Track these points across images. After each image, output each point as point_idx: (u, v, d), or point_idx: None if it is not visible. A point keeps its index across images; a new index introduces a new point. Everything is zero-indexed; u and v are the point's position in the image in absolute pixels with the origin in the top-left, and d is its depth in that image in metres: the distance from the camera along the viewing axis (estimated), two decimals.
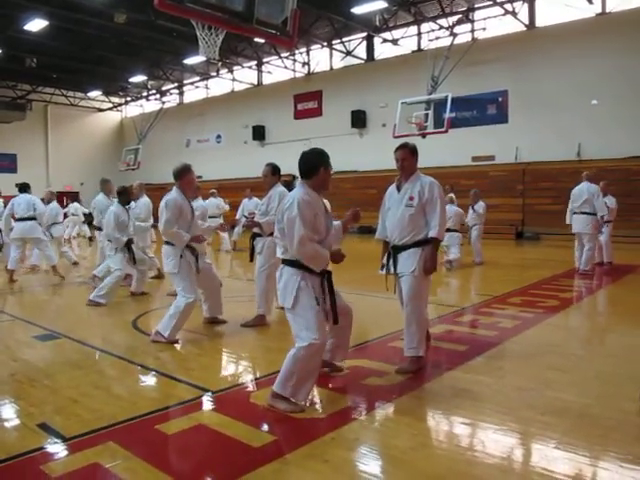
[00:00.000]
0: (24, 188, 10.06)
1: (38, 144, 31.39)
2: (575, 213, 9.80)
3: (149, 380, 4.44)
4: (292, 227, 3.51)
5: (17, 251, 9.62)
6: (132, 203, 8.55)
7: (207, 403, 3.80)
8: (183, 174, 5.57)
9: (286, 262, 3.68)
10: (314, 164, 3.71)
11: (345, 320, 3.93)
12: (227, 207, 15.42)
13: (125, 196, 7.73)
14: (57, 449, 3.11)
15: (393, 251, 4.49)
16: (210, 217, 14.35)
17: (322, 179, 3.72)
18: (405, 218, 4.38)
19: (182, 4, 5.31)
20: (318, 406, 3.68)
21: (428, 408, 3.68)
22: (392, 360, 4.56)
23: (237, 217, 12.31)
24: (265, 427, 3.36)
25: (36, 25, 18.46)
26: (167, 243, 5.52)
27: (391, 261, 4.50)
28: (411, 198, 4.37)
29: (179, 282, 5.46)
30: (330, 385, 4.07)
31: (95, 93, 31.04)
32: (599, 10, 17.27)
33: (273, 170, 6.18)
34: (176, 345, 5.39)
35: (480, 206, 11.50)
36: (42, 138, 31.77)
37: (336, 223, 4.02)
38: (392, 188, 4.61)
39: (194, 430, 3.30)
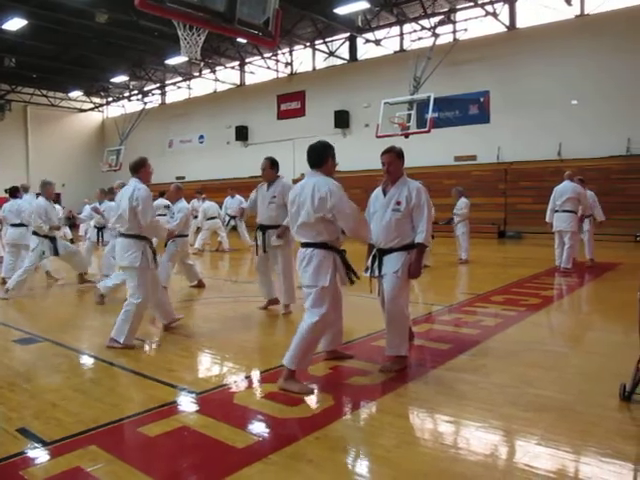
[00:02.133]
0: (14, 193, 9.90)
1: (18, 145, 30.98)
2: (557, 211, 9.86)
3: (131, 382, 4.40)
4: (344, 205, 3.87)
5: (11, 258, 9.42)
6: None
7: (190, 405, 3.77)
8: (142, 166, 5.46)
9: (318, 245, 3.95)
10: (324, 154, 4.07)
11: (338, 312, 4.39)
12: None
13: (112, 196, 7.72)
14: (37, 454, 3.06)
15: (378, 254, 4.50)
16: (209, 219, 14.39)
17: (329, 168, 4.09)
18: (392, 222, 4.38)
19: (163, 4, 5.26)
20: (302, 406, 3.67)
21: (412, 406, 3.69)
22: (376, 359, 4.58)
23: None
24: (249, 428, 3.34)
25: (15, 24, 18.24)
26: (129, 236, 5.26)
27: (376, 264, 4.51)
28: (398, 203, 4.38)
29: (134, 278, 5.26)
30: (314, 385, 4.06)
31: (76, 93, 30.73)
32: (578, 12, 17.48)
33: (272, 163, 6.44)
34: (158, 346, 5.35)
35: (461, 203, 11.51)
36: (22, 139, 31.36)
37: None
38: (378, 191, 4.61)
39: (177, 432, 3.28)
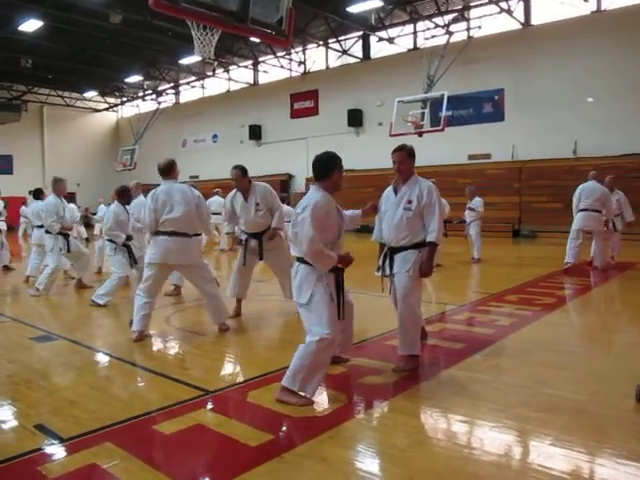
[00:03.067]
0: (37, 194, 10.07)
1: (34, 145, 31.36)
2: (585, 210, 9.55)
3: (146, 380, 4.44)
4: (303, 229, 3.64)
5: (37, 258, 9.59)
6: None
7: (205, 403, 3.80)
8: (174, 168, 5.67)
9: (302, 260, 3.77)
10: (328, 167, 3.85)
11: (349, 312, 4.16)
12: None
13: (125, 196, 7.74)
14: (54, 450, 3.11)
15: (390, 252, 4.50)
16: (213, 214, 14.38)
17: (335, 181, 3.86)
18: (403, 221, 4.37)
19: (177, 4, 5.29)
20: (315, 405, 3.68)
21: (425, 406, 3.68)
22: (389, 358, 4.57)
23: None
24: (262, 426, 3.36)
25: (31, 26, 18.44)
26: (188, 235, 5.54)
27: (387, 263, 4.51)
28: (409, 201, 4.37)
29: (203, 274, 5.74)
30: (328, 384, 4.07)
31: (91, 93, 31.02)
32: (594, 8, 17.31)
33: (242, 172, 6.32)
34: (173, 345, 5.40)
35: (477, 202, 11.46)
36: (38, 139, 31.74)
37: (356, 211, 4.38)
38: (389, 190, 4.61)
39: (192, 430, 3.30)
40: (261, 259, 6.44)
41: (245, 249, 6.44)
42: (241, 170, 6.30)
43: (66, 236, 8.41)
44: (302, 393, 3.64)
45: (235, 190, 6.44)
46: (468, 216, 11.54)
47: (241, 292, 6.58)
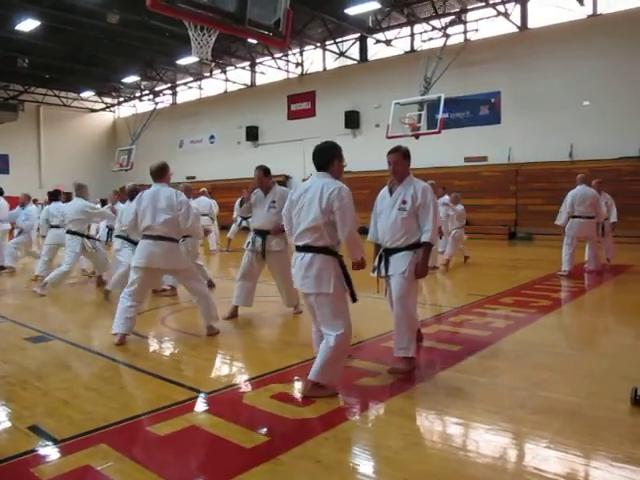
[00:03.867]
0: (55, 196, 10.20)
1: (30, 145, 31.24)
2: (578, 217, 9.54)
3: (141, 381, 4.43)
4: (346, 212, 3.71)
5: (46, 257, 9.60)
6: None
7: (200, 404, 3.79)
8: (166, 170, 5.66)
9: (318, 250, 3.79)
10: (329, 156, 3.91)
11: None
12: (216, 209, 15.30)
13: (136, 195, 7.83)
14: (48, 451, 3.10)
15: (385, 253, 4.50)
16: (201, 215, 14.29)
17: (336, 171, 3.92)
18: (397, 222, 4.38)
19: (174, 5, 5.28)
20: (311, 406, 3.68)
21: (420, 408, 3.69)
22: (385, 360, 4.57)
23: (234, 216, 12.47)
24: (258, 428, 3.35)
25: (28, 25, 18.37)
26: (172, 240, 5.52)
27: (382, 264, 4.51)
28: (404, 202, 4.38)
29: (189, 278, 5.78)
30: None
31: (88, 94, 30.92)
32: (590, 12, 17.36)
33: (264, 172, 6.39)
34: (169, 346, 5.40)
35: (462, 209, 11.36)
36: (34, 139, 31.61)
37: None
38: (384, 191, 4.62)
39: (186, 431, 3.30)
40: (263, 257, 6.42)
41: (252, 250, 6.47)
42: (263, 170, 6.40)
43: (88, 237, 8.74)
44: (329, 385, 3.81)
45: (257, 189, 6.51)
46: (451, 224, 11.29)
47: (246, 300, 6.56)
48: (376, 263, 4.61)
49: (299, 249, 3.87)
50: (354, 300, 3.90)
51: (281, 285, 6.58)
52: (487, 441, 3.14)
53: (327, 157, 3.90)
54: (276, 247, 6.36)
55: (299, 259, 3.85)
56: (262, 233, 6.41)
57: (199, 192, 14.87)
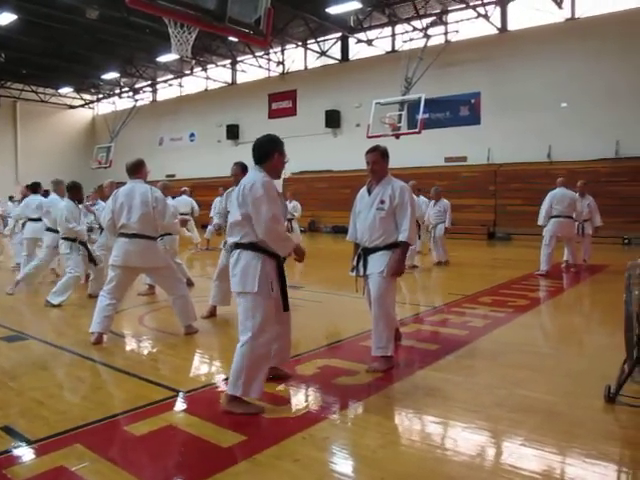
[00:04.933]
0: (35, 188, 10.00)
1: (6, 141, 30.76)
2: (558, 217, 9.69)
3: (118, 381, 4.38)
4: (260, 206, 3.45)
5: (26, 252, 9.40)
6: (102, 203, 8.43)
7: (177, 404, 3.76)
8: (142, 167, 5.58)
9: (244, 246, 3.57)
10: (269, 149, 3.69)
11: (285, 321, 3.94)
12: (197, 208, 15.16)
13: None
14: (22, 452, 3.04)
15: (363, 253, 4.51)
16: (180, 214, 14.17)
17: (276, 164, 3.71)
18: (376, 221, 4.40)
19: (154, 2, 5.25)
20: (288, 406, 3.67)
21: (398, 407, 3.70)
22: (363, 359, 4.58)
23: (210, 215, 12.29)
24: (235, 427, 3.33)
25: (4, 19, 18.08)
26: (150, 237, 5.45)
27: (361, 263, 4.52)
28: (382, 202, 4.39)
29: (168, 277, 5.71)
30: (300, 384, 4.06)
31: (66, 90, 30.53)
32: (569, 15, 17.60)
33: (242, 169, 6.16)
34: (146, 345, 5.35)
35: (447, 204, 11.38)
36: (11, 135, 31.14)
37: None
38: (363, 191, 4.64)
39: (164, 431, 3.27)
40: None
41: (228, 250, 6.35)
42: (241, 167, 6.17)
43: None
44: (246, 398, 3.52)
45: (233, 187, 6.34)
46: (434, 218, 11.31)
47: (223, 300, 6.47)
48: (355, 262, 4.62)
49: (232, 246, 3.69)
50: (285, 309, 3.70)
51: None
52: (465, 439, 3.16)
53: (266, 150, 3.68)
54: None
55: (232, 257, 3.67)
56: None
57: (180, 191, 14.76)
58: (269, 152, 3.69)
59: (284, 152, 3.79)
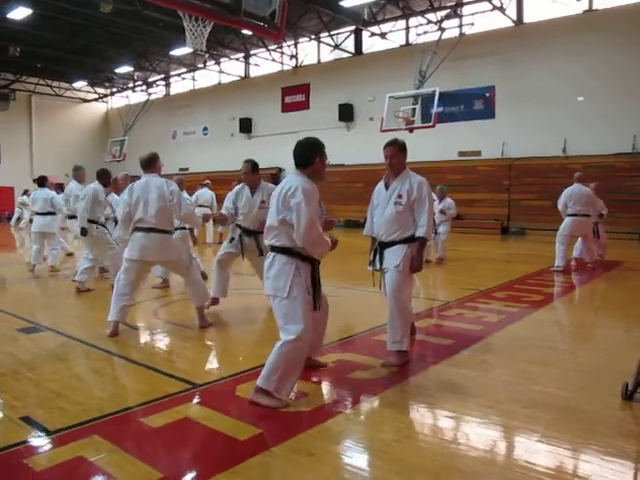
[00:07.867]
0: (42, 182, 10.07)
1: (22, 135, 31.02)
2: (574, 215, 9.55)
3: (134, 373, 4.42)
4: (300, 212, 3.42)
5: (36, 245, 9.54)
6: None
7: (193, 396, 3.79)
8: (156, 161, 5.57)
9: (278, 249, 3.58)
10: (310, 154, 3.65)
11: (323, 311, 3.94)
12: (215, 203, 15.21)
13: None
14: (41, 442, 3.08)
15: (380, 247, 4.51)
16: (200, 206, 14.27)
17: (318, 169, 3.67)
18: (393, 215, 4.39)
19: None
20: (304, 399, 3.68)
21: (413, 401, 3.70)
22: (378, 354, 4.58)
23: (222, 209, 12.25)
24: (251, 420, 3.35)
25: (20, 13, 18.21)
26: (167, 232, 5.49)
27: (377, 257, 4.52)
28: (400, 196, 4.38)
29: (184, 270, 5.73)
30: (316, 379, 4.08)
31: (80, 83, 30.70)
32: (586, 7, 17.38)
33: (253, 167, 6.18)
34: (161, 338, 5.39)
35: (450, 204, 11.09)
36: (26, 128, 31.40)
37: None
38: (380, 185, 4.62)
39: (179, 423, 3.29)
40: (261, 254, 6.09)
41: (241, 246, 6.34)
42: (252, 165, 6.15)
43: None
44: (276, 394, 3.51)
45: (242, 184, 6.33)
46: (438, 217, 10.94)
47: (224, 291, 6.53)
48: (372, 257, 4.62)
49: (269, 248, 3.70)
50: (315, 308, 3.65)
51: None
52: (479, 434, 3.16)
53: (308, 155, 3.64)
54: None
55: (267, 259, 3.70)
56: (251, 232, 6.26)
57: (202, 184, 14.83)
58: (310, 157, 3.64)
59: (325, 155, 3.73)
